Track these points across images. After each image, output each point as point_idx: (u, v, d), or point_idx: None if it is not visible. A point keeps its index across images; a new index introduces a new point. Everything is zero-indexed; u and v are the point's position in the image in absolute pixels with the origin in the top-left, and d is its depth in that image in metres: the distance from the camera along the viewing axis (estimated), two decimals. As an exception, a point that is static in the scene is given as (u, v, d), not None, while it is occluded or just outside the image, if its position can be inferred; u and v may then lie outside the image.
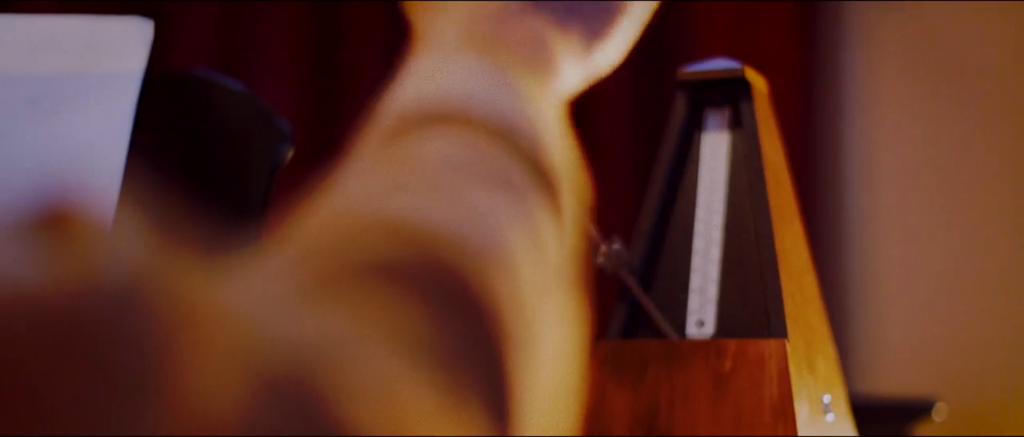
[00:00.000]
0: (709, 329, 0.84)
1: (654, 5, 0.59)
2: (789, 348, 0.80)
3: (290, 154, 0.86)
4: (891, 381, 2.39)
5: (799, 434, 0.78)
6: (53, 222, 0.29)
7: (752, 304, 0.83)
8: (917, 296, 2.49)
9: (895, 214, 2.53)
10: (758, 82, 0.87)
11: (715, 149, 0.87)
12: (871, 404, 1.22)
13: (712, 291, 0.84)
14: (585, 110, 2.32)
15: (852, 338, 2.44)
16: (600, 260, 0.84)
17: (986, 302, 2.46)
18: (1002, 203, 2.49)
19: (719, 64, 0.87)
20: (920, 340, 2.46)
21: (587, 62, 0.56)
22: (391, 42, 2.41)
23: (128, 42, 0.91)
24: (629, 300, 0.86)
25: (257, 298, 0.34)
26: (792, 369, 0.79)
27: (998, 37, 2.51)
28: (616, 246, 0.84)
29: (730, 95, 0.87)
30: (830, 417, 0.84)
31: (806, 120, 2.49)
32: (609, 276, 0.84)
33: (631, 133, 2.40)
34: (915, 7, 2.52)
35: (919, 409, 1.19)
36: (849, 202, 2.53)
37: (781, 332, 0.81)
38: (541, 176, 0.47)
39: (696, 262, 0.85)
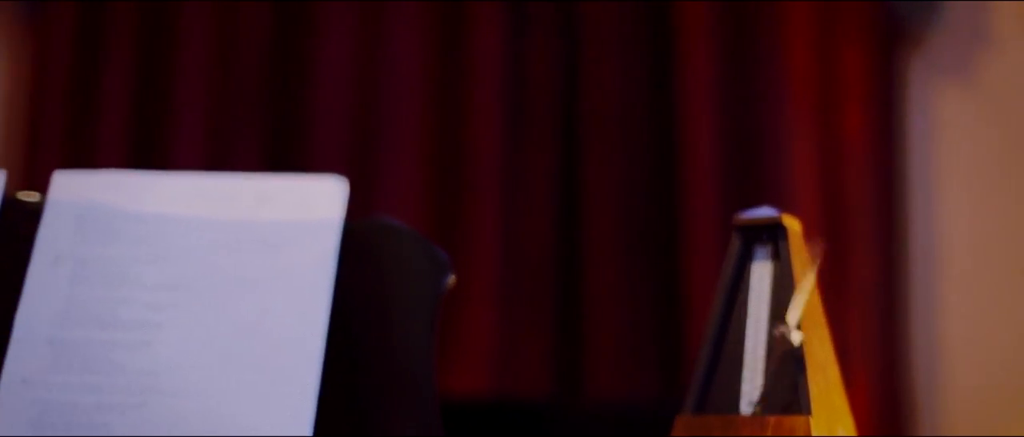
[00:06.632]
0: (757, 407, 1.15)
1: None
2: (813, 421, 1.11)
3: (452, 282, 1.18)
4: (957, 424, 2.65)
5: (821, 485, 1.10)
6: None
7: (788, 389, 1.14)
8: (980, 341, 2.73)
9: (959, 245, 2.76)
10: (793, 225, 1.19)
11: (761, 275, 1.19)
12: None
13: (759, 380, 1.16)
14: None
15: (916, 382, 2.70)
16: (777, 334, 1.14)
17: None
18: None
19: (764, 212, 1.19)
20: (985, 379, 2.70)
21: None
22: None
23: (329, 195, 1.24)
24: (699, 385, 1.17)
25: None
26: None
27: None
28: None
29: (772, 235, 1.19)
30: (847, 471, 1.15)
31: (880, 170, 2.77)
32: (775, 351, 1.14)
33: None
34: (979, 65, 2.78)
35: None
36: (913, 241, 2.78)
37: (807, 410, 1.12)
38: None
39: (747, 359, 1.17)
